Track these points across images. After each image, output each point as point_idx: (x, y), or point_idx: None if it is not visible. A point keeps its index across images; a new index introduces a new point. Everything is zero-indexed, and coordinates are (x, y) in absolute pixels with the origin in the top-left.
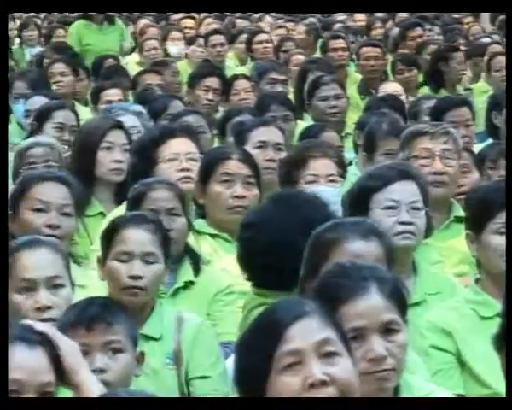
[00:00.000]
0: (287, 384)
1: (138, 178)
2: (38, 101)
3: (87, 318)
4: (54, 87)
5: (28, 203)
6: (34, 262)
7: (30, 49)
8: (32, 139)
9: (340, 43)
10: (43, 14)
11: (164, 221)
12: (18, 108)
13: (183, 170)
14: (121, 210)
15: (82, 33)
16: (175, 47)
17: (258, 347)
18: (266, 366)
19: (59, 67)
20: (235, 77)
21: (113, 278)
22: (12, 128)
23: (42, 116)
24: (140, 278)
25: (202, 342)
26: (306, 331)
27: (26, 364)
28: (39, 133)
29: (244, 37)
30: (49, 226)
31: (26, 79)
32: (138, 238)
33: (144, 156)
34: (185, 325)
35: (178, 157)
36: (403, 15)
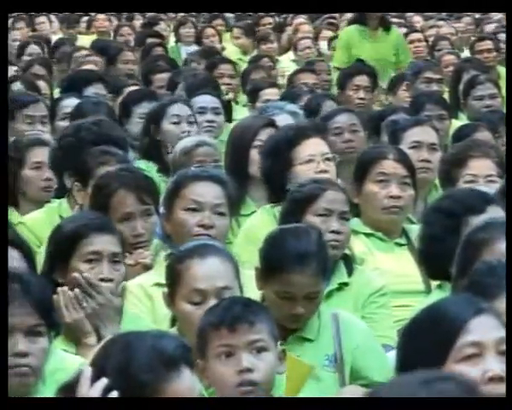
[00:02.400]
0: (466, 373)
1: (274, 180)
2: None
3: (230, 318)
4: (223, 87)
5: (182, 203)
6: (205, 272)
7: (185, 48)
8: (197, 138)
9: (487, 44)
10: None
11: (334, 224)
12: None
13: (321, 172)
14: None
15: (353, 41)
16: (327, 45)
17: (434, 337)
18: (443, 354)
19: (226, 68)
20: None
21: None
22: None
23: (157, 115)
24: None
25: (367, 346)
26: (487, 327)
27: None
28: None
29: None
30: (203, 226)
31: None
32: None
33: (279, 157)
34: (345, 327)
35: (315, 158)
36: None
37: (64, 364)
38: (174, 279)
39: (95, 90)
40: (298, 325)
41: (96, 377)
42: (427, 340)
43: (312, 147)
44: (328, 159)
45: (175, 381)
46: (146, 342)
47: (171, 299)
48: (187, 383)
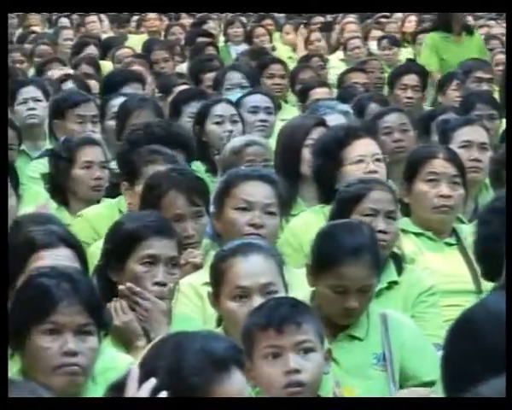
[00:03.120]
0: None
1: (324, 180)
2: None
3: (277, 319)
4: (268, 83)
5: (232, 202)
6: (248, 269)
7: (235, 47)
8: (247, 137)
9: None
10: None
11: (380, 224)
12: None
13: (370, 172)
14: None
15: (439, 46)
16: (376, 45)
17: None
18: None
19: (277, 68)
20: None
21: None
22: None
23: (201, 115)
24: None
25: (416, 346)
26: None
27: None
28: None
29: None
30: (253, 225)
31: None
32: None
33: (329, 157)
34: (394, 326)
35: (365, 159)
36: None
37: (115, 363)
38: (218, 278)
39: (132, 89)
40: (350, 321)
41: (145, 378)
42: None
43: (363, 147)
44: (378, 159)
45: (225, 382)
46: (196, 344)
47: (215, 298)
48: (237, 385)
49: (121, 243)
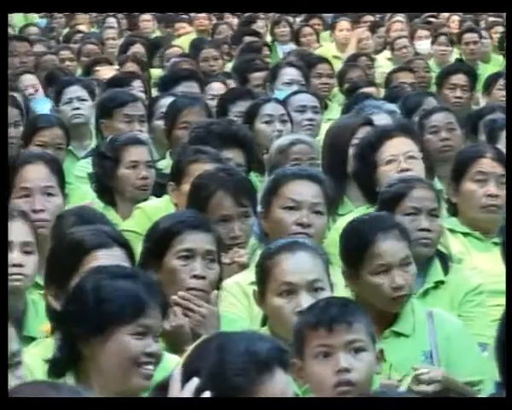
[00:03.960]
0: None
1: (363, 182)
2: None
3: (328, 319)
4: (316, 82)
5: (280, 201)
6: (295, 266)
7: (282, 47)
8: (293, 136)
9: None
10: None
11: (423, 222)
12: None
13: (402, 170)
14: None
15: None
16: (423, 44)
17: None
18: None
19: (324, 67)
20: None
21: None
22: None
23: (250, 114)
24: None
25: (462, 344)
26: None
27: None
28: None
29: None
30: (300, 224)
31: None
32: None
33: (365, 160)
34: (440, 324)
35: (397, 158)
36: None
37: (165, 363)
38: (264, 276)
39: (186, 88)
40: (399, 306)
41: (188, 378)
42: None
43: (394, 147)
44: (411, 157)
45: (268, 383)
46: (240, 345)
47: (261, 296)
48: (280, 385)
49: (158, 240)
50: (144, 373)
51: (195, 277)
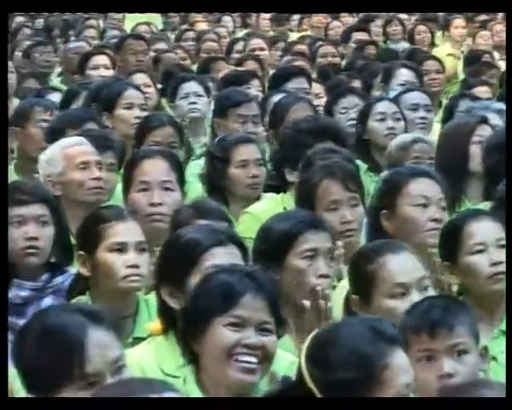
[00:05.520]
0: None
1: (495, 178)
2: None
3: (429, 323)
4: (424, 79)
5: (409, 199)
6: (403, 266)
7: (395, 46)
8: (414, 134)
9: None
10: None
11: None
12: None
13: None
14: None
15: None
16: None
17: None
18: None
19: (432, 64)
20: None
21: None
22: None
23: (363, 113)
24: None
25: None
26: None
27: None
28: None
29: None
30: (434, 220)
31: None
32: None
33: (500, 155)
34: None
35: None
36: None
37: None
38: (368, 280)
39: (296, 85)
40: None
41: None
42: None
43: None
44: None
45: (397, 356)
46: (364, 324)
47: (365, 301)
48: (404, 363)
49: (278, 241)
50: (241, 366)
51: (322, 276)
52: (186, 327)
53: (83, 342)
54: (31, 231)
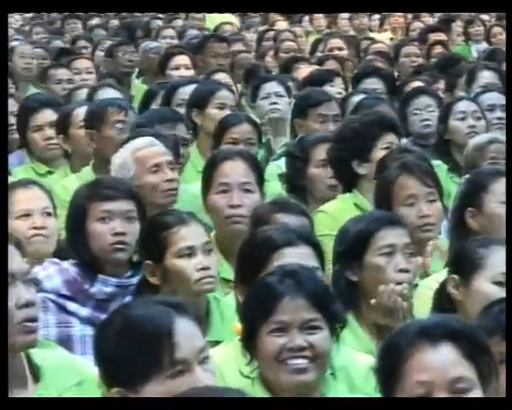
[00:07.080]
0: None
1: None
2: None
3: (502, 327)
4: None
5: (496, 197)
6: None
7: (476, 46)
8: (490, 135)
9: None
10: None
11: None
12: None
13: None
14: None
15: None
16: None
17: None
18: None
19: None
20: None
21: None
22: None
23: (444, 111)
24: None
25: None
26: None
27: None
28: None
29: None
30: None
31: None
32: None
33: None
34: None
35: None
36: None
37: (352, 362)
38: (472, 266)
39: (369, 85)
40: None
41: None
42: None
43: None
44: None
45: (429, 351)
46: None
47: (466, 284)
48: (445, 359)
49: (355, 241)
50: (291, 369)
51: (401, 271)
52: (242, 336)
53: (171, 330)
54: (118, 226)
